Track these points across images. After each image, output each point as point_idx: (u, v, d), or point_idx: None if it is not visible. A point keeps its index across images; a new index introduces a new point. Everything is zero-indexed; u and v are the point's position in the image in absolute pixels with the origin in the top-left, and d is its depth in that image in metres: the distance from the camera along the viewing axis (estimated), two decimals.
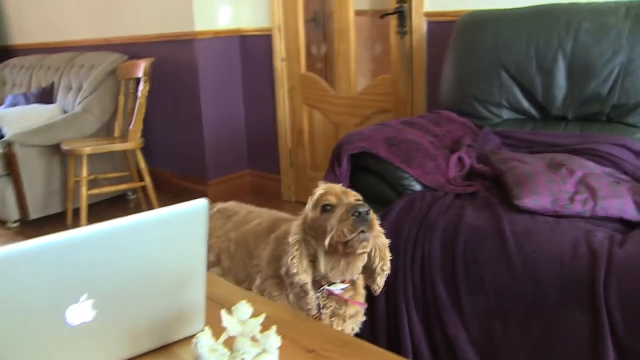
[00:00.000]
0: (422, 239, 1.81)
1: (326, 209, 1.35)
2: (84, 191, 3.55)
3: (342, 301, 1.47)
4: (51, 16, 5.07)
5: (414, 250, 1.83)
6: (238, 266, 1.66)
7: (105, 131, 4.18)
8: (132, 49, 4.35)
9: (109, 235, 0.85)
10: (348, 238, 1.30)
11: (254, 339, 0.88)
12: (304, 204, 1.45)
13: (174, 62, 4.12)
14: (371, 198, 1.69)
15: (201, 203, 0.93)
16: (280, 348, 0.88)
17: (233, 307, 0.90)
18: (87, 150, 3.52)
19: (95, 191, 3.69)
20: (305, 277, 1.38)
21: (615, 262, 1.50)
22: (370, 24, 3.65)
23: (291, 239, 1.39)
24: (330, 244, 1.33)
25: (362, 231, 1.30)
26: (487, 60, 2.52)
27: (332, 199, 1.36)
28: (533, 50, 2.41)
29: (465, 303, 1.71)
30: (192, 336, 0.89)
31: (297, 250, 1.38)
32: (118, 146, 3.70)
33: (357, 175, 2.14)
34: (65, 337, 0.87)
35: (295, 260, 1.37)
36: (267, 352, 0.86)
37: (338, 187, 1.41)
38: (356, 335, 1.51)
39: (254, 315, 0.90)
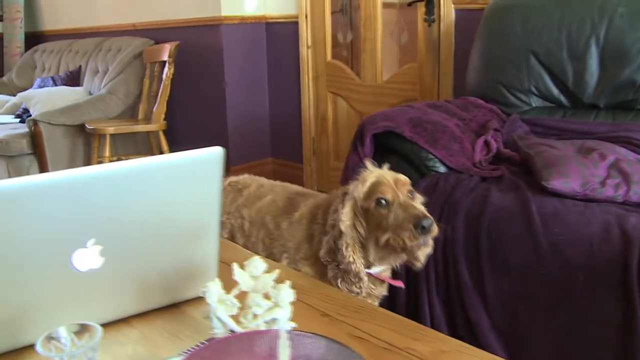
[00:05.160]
0: (445, 219, 1.75)
1: (381, 203, 1.30)
2: None
3: (378, 281, 1.44)
4: (80, 3, 5.10)
5: None
6: (256, 246, 1.62)
7: (130, 113, 4.19)
8: (159, 34, 4.35)
9: (119, 176, 0.82)
10: (407, 246, 1.26)
11: (266, 296, 0.83)
12: (327, 193, 1.40)
13: (199, 47, 4.10)
14: None
15: (216, 150, 0.88)
16: (295, 312, 0.83)
17: (246, 262, 0.86)
18: (111, 130, 3.53)
19: None
20: (360, 265, 1.34)
21: None
22: (397, 13, 3.60)
23: (342, 226, 1.32)
24: (386, 243, 1.29)
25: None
26: (515, 46, 2.45)
27: (387, 194, 1.30)
28: (565, 35, 2.34)
29: (489, 286, 1.65)
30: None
31: (350, 238, 1.33)
32: (141, 127, 3.71)
33: (380, 156, 2.09)
34: (73, 282, 0.84)
35: (350, 249, 1.32)
36: (279, 306, 0.82)
37: (388, 175, 1.35)
38: None
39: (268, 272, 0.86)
